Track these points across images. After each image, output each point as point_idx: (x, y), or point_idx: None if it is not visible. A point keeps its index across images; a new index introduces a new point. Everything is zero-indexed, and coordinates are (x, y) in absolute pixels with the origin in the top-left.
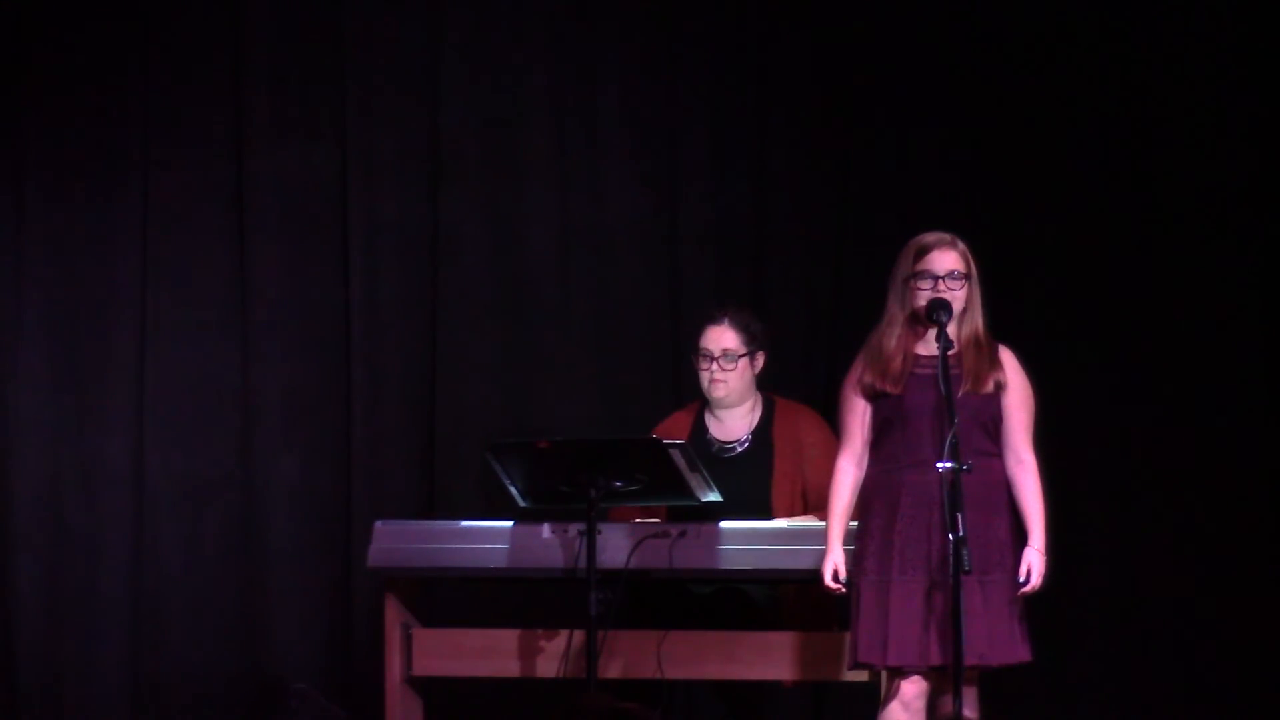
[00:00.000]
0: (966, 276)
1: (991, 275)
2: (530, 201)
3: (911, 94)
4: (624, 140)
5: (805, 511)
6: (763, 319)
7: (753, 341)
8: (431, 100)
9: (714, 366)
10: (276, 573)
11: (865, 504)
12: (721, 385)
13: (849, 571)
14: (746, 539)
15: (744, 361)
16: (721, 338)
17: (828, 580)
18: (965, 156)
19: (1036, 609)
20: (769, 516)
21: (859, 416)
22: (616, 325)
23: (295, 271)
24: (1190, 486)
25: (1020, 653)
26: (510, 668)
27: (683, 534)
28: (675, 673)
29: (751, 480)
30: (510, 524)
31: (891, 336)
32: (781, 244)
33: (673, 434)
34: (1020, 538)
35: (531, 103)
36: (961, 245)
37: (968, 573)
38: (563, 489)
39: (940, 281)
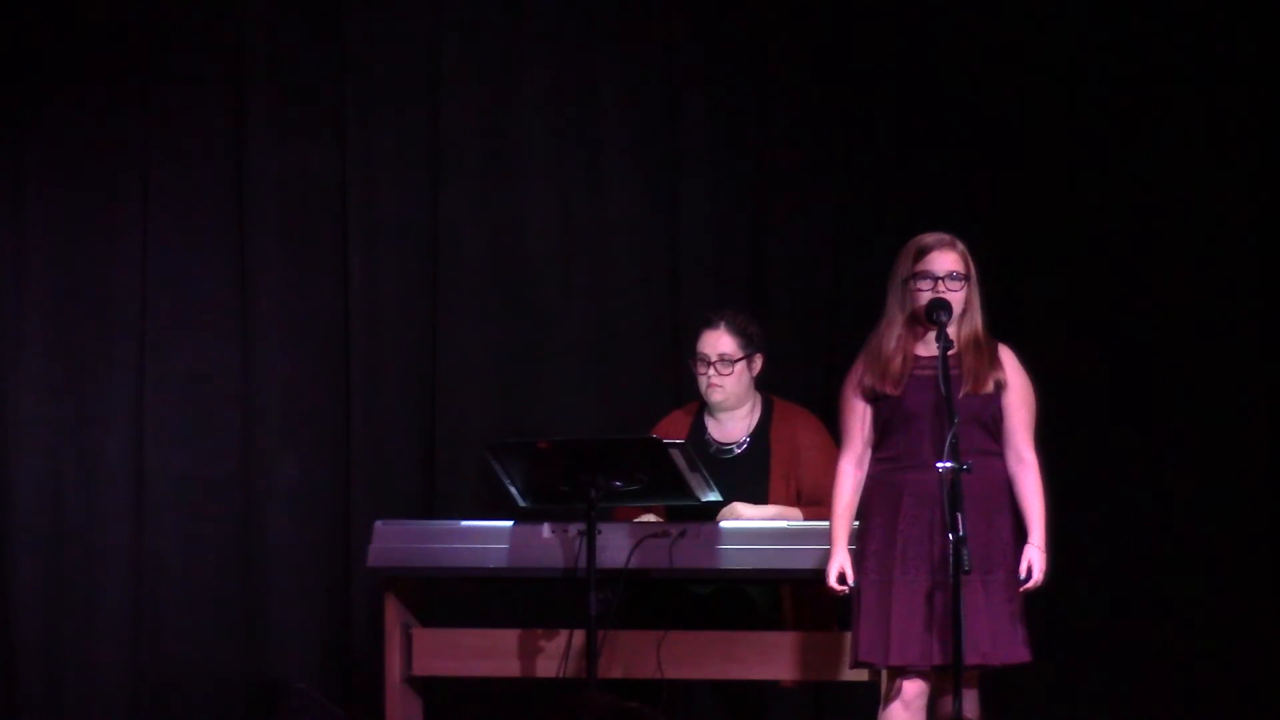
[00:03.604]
0: (965, 277)
1: (991, 275)
2: (530, 201)
3: (911, 94)
4: (624, 140)
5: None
6: (761, 320)
7: (749, 344)
8: (431, 100)
9: (711, 371)
10: (276, 573)
11: (866, 504)
12: (719, 390)
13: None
14: (746, 539)
15: (741, 365)
16: (718, 342)
17: (833, 582)
18: (965, 156)
19: (1036, 609)
20: None
21: (859, 418)
22: (616, 325)
23: (295, 271)
24: (1190, 486)
25: (1021, 653)
26: (510, 668)
27: (683, 534)
28: (675, 673)
29: (749, 482)
30: (510, 524)
31: (891, 337)
32: (781, 244)
33: (671, 433)
34: (1022, 537)
35: (531, 103)
36: (961, 246)
37: (968, 572)
38: (563, 489)
39: (940, 282)
